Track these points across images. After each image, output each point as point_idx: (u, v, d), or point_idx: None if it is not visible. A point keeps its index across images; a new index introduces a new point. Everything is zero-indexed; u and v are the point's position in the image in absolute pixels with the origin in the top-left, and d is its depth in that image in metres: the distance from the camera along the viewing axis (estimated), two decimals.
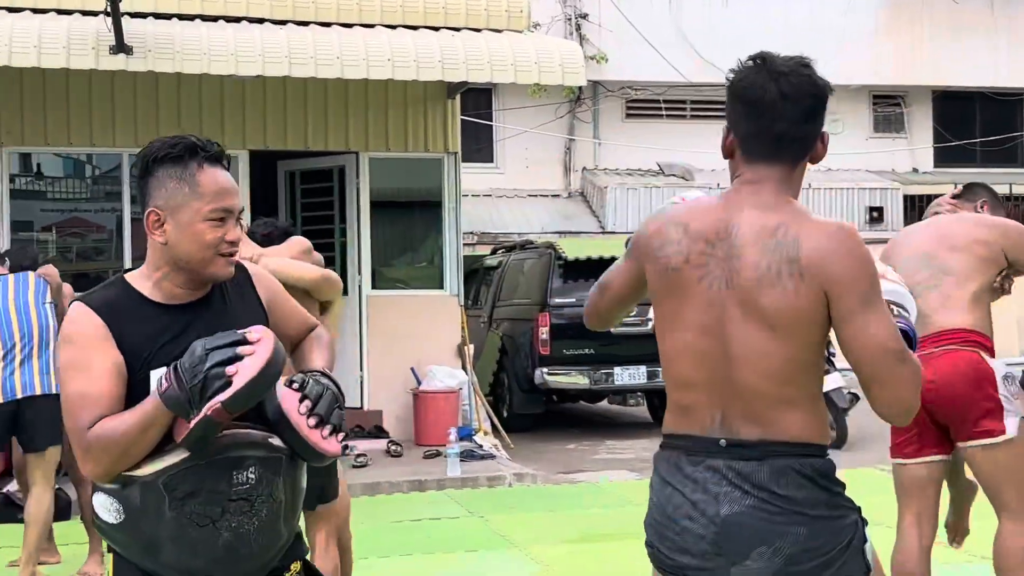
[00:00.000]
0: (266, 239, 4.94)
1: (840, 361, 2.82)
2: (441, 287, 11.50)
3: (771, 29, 19.31)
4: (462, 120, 11.86)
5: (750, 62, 2.47)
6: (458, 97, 11.45)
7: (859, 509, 2.49)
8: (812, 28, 19.77)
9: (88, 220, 11.06)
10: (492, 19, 10.73)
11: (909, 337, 2.61)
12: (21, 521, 7.17)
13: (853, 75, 19.15)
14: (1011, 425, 4.15)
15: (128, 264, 10.37)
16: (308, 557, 4.39)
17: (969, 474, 4.47)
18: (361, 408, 11.16)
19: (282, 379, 2.42)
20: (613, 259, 11.06)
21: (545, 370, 12.18)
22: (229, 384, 2.25)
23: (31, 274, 6.47)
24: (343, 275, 11.19)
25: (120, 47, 8.90)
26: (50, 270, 6.54)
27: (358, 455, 9.86)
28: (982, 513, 4.50)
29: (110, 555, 2.49)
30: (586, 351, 12.22)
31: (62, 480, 6.92)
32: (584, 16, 19.93)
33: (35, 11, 9.64)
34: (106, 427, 2.30)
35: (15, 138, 10.41)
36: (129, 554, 2.41)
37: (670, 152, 19.86)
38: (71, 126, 10.51)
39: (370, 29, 10.18)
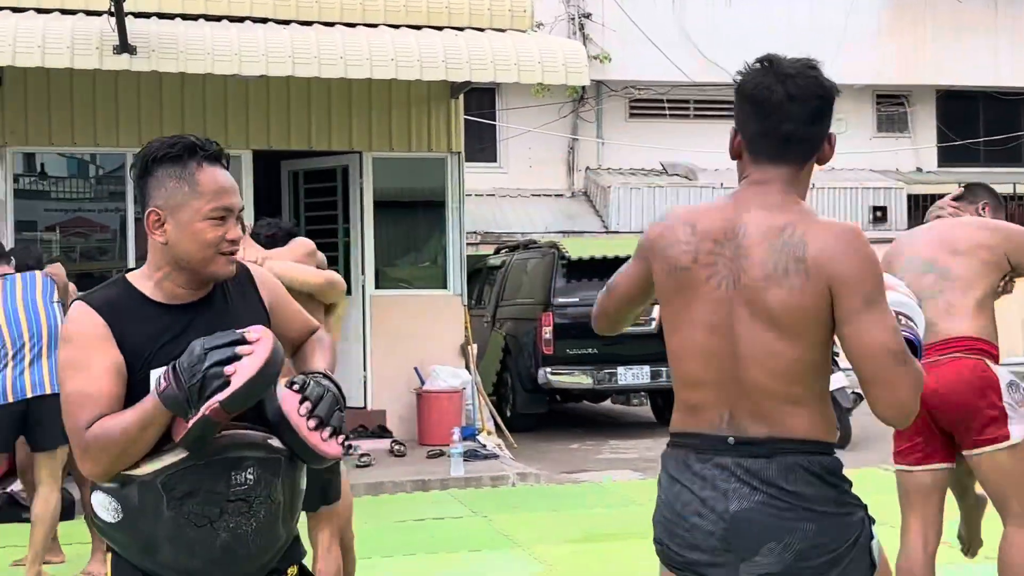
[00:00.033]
0: (270, 240, 4.94)
1: (843, 361, 2.86)
2: (445, 287, 11.50)
3: (774, 29, 19.31)
4: (465, 120, 11.86)
5: (757, 64, 2.50)
6: (461, 97, 11.45)
7: (865, 507, 2.50)
8: (815, 28, 19.77)
9: (92, 220, 11.07)
10: (495, 19, 10.73)
11: (914, 346, 2.61)
12: (25, 521, 7.19)
13: (856, 75, 19.14)
14: (1016, 431, 4.15)
15: (132, 264, 10.38)
16: (311, 558, 4.42)
17: (978, 488, 4.47)
18: (365, 408, 11.17)
19: (282, 380, 2.42)
20: (616, 259, 11.13)
21: (548, 370, 12.18)
22: (227, 384, 2.25)
23: (38, 273, 6.48)
24: (346, 275, 11.21)
25: (124, 47, 8.91)
26: (57, 269, 6.55)
27: (362, 455, 9.87)
28: (985, 513, 4.50)
29: (109, 554, 2.49)
30: (589, 351, 12.22)
31: (66, 480, 6.93)
32: (587, 16, 19.92)
33: (39, 11, 9.65)
34: (105, 426, 2.30)
35: (19, 138, 10.42)
36: (127, 553, 2.41)
37: (673, 152, 19.85)
38: (75, 126, 10.52)
39: (373, 29, 10.18)
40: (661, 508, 2.57)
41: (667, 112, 20.73)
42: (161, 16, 9.76)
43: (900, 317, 2.62)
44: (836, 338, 2.45)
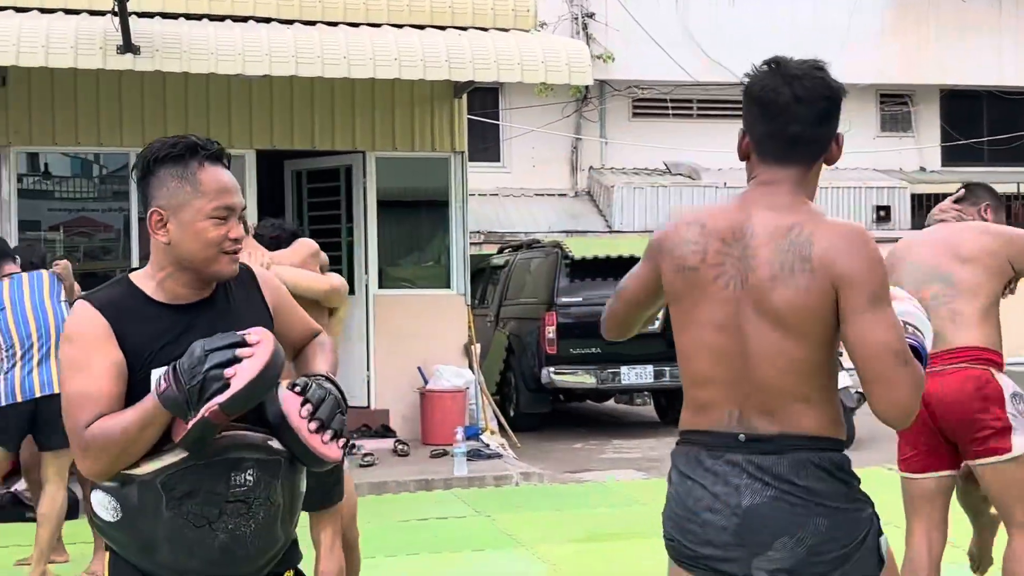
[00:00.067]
0: (274, 241, 4.94)
1: (847, 361, 2.87)
2: (448, 286, 11.50)
3: (777, 29, 19.32)
4: (469, 119, 11.86)
5: (765, 66, 2.52)
6: (464, 96, 11.45)
7: (873, 504, 2.53)
8: (819, 27, 19.76)
9: (95, 220, 11.08)
10: (499, 18, 10.73)
11: (919, 355, 2.62)
12: (29, 520, 7.20)
13: (860, 74, 19.12)
14: (1019, 443, 4.15)
15: (135, 263, 10.39)
16: (313, 557, 4.42)
17: (992, 509, 4.47)
18: (368, 407, 11.17)
19: (284, 382, 2.42)
20: (620, 258, 11.10)
21: (552, 369, 12.18)
22: (227, 386, 2.25)
23: (44, 272, 6.49)
24: (350, 274, 11.22)
25: (127, 47, 8.91)
26: (64, 267, 6.53)
27: (365, 454, 9.87)
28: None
29: (108, 553, 2.49)
30: (593, 350, 12.21)
31: (70, 479, 6.94)
32: (591, 15, 19.92)
33: (43, 11, 9.66)
34: (104, 426, 2.30)
35: (23, 138, 10.43)
36: (126, 553, 2.41)
37: (677, 151, 19.85)
38: (79, 126, 10.53)
39: (377, 28, 10.18)
40: (672, 504, 2.58)
41: (670, 112, 20.73)
42: (165, 16, 9.76)
43: (907, 326, 2.63)
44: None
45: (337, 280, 4.90)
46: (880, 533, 2.51)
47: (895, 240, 4.72)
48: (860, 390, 2.56)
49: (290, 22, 10.09)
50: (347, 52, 9.52)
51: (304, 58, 9.39)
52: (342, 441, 2.43)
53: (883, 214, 19.72)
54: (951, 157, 21.63)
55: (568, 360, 12.20)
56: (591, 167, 20.53)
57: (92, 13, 9.48)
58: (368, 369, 11.21)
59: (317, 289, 4.73)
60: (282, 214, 11.61)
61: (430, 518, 8.07)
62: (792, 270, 2.40)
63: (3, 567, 6.57)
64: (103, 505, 2.38)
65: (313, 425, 2.39)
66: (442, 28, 10.38)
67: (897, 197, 19.98)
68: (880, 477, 8.16)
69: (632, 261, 12.79)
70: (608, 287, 12.49)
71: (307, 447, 2.39)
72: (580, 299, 12.39)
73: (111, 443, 2.30)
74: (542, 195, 20.03)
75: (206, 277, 2.48)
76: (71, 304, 6.30)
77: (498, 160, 20.11)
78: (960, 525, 4.61)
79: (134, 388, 2.37)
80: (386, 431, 10.88)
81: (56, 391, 6.03)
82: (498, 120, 19.56)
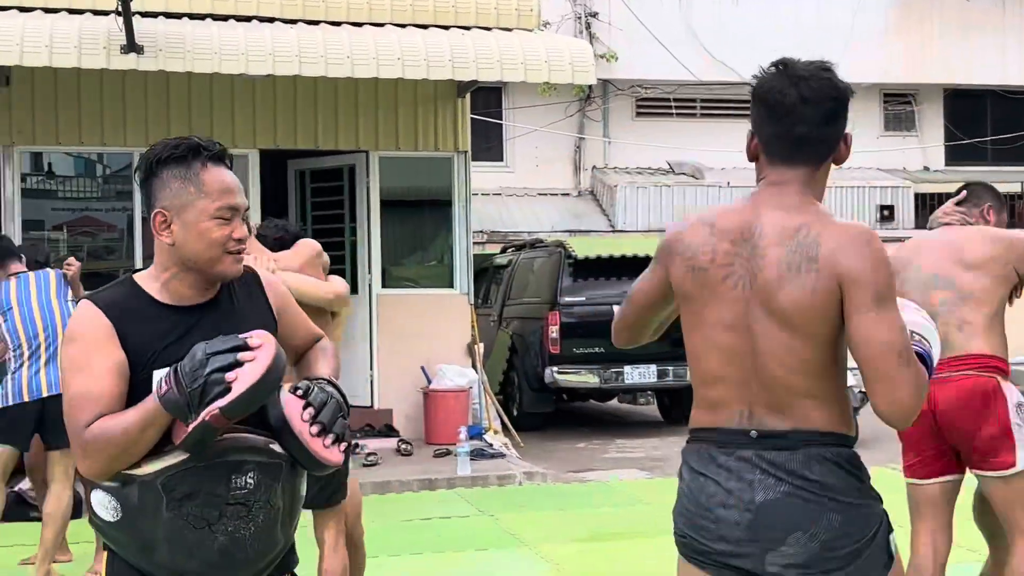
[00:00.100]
0: (278, 242, 4.93)
1: (850, 360, 2.88)
2: (451, 286, 11.50)
3: (781, 28, 19.29)
4: (472, 119, 11.86)
5: (772, 67, 2.55)
6: (468, 96, 11.46)
7: (882, 500, 2.55)
8: (822, 27, 19.74)
9: (99, 219, 11.09)
10: (502, 18, 10.73)
11: (926, 363, 2.63)
12: (33, 519, 7.21)
13: (863, 73, 19.10)
14: (1022, 458, 4.16)
15: (139, 262, 10.40)
16: (316, 556, 4.43)
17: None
18: (371, 407, 11.18)
19: (286, 386, 2.41)
20: (623, 258, 11.06)
21: (555, 369, 12.18)
22: (228, 390, 2.24)
23: (51, 272, 6.49)
24: (353, 274, 11.24)
25: (131, 46, 8.92)
26: (77, 269, 6.51)
27: (368, 454, 9.87)
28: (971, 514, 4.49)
29: (106, 552, 2.49)
30: (596, 350, 12.21)
31: (75, 479, 6.94)
32: (594, 15, 19.91)
33: (47, 11, 9.67)
34: (105, 426, 2.30)
35: (26, 137, 10.44)
36: (125, 553, 2.41)
37: (680, 150, 19.83)
38: (82, 125, 10.54)
39: (380, 28, 10.19)
40: (684, 501, 2.60)
41: (674, 111, 20.71)
42: (168, 16, 9.77)
43: (913, 335, 2.63)
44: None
45: (341, 286, 4.91)
46: (890, 530, 2.53)
47: (899, 240, 4.71)
48: (863, 389, 2.57)
49: (293, 22, 10.10)
50: (350, 52, 9.52)
51: (307, 58, 9.40)
52: (343, 445, 2.42)
53: (887, 214, 19.70)
54: (955, 156, 21.60)
55: (571, 360, 12.20)
56: (594, 166, 20.52)
57: (96, 13, 9.49)
58: (371, 369, 11.21)
59: (322, 297, 4.75)
60: (285, 214, 11.62)
61: (433, 518, 8.07)
62: (799, 270, 2.42)
63: (7, 566, 6.58)
64: (103, 505, 2.38)
65: (315, 429, 2.39)
66: (445, 28, 10.38)
67: (901, 197, 19.95)
68: (884, 477, 8.15)
69: (635, 260, 12.84)
70: (611, 287, 12.57)
71: (308, 451, 2.38)
72: (583, 299, 12.39)
73: (111, 443, 2.30)
74: (545, 195, 20.02)
75: (211, 278, 2.48)
76: (77, 303, 6.30)
77: (501, 160, 20.11)
78: (963, 526, 4.60)
79: (136, 389, 2.37)
80: (389, 431, 10.88)
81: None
82: (501, 120, 19.56)
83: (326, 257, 5.04)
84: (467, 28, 10.45)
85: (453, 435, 9.90)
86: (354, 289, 11.24)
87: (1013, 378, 4.31)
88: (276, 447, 2.41)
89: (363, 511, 5.00)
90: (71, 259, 6.59)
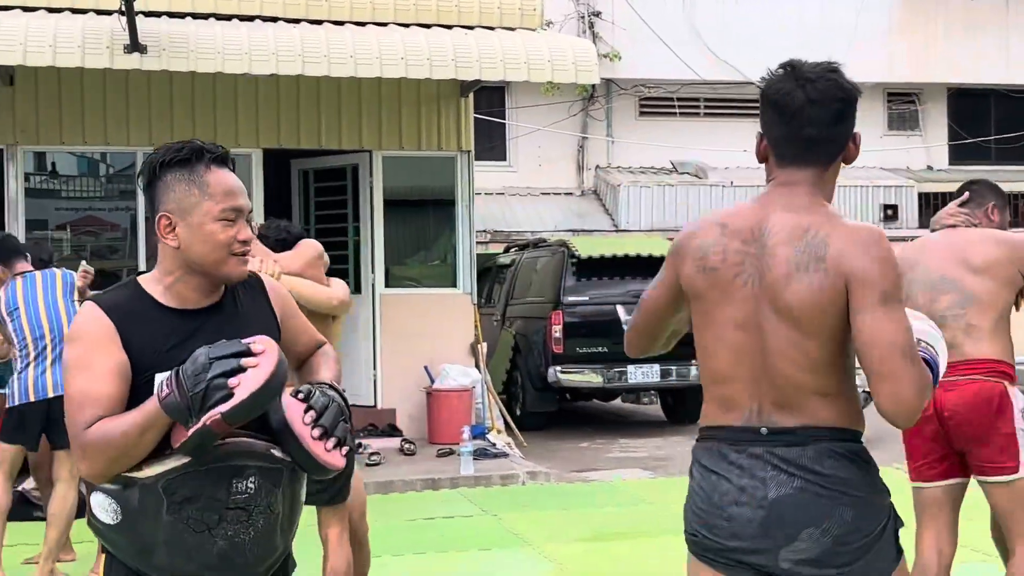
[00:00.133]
0: (280, 244, 4.93)
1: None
2: (454, 285, 11.50)
3: (785, 27, 19.28)
4: (475, 118, 11.86)
5: (780, 69, 2.58)
6: (471, 95, 11.45)
7: (890, 493, 2.58)
8: (826, 26, 19.72)
9: (102, 219, 11.10)
10: (505, 17, 10.73)
11: (932, 370, 2.63)
12: (36, 519, 7.22)
13: (867, 72, 19.07)
14: None
15: (142, 261, 10.41)
16: (321, 553, 4.43)
17: None
18: (374, 406, 11.18)
19: (288, 390, 2.41)
20: (626, 257, 11.03)
21: (558, 368, 12.18)
22: (231, 396, 2.24)
23: (57, 271, 6.49)
24: (356, 274, 11.24)
25: (134, 46, 8.93)
26: (88, 277, 6.50)
27: (371, 453, 9.87)
28: (981, 514, 4.48)
29: (104, 555, 2.49)
30: (599, 349, 12.21)
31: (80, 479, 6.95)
32: (597, 14, 19.90)
33: (50, 10, 9.67)
34: (105, 428, 2.30)
35: (30, 137, 10.45)
36: (123, 555, 2.41)
37: (683, 150, 19.83)
38: (85, 125, 10.54)
39: (383, 28, 10.19)
40: (695, 500, 2.61)
41: (677, 110, 20.70)
42: (171, 15, 9.77)
43: (920, 342, 2.64)
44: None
45: (343, 292, 4.91)
46: (899, 523, 2.57)
47: (903, 239, 4.69)
48: (867, 389, 2.58)
49: (296, 21, 10.10)
50: (353, 51, 9.53)
51: (310, 57, 9.40)
52: (345, 449, 2.42)
53: (890, 213, 19.68)
54: (958, 156, 21.58)
55: (575, 359, 12.20)
56: (597, 166, 20.52)
57: (99, 12, 9.50)
58: (374, 368, 11.21)
59: (328, 304, 4.76)
60: (289, 213, 11.62)
61: (437, 517, 8.08)
62: (807, 270, 2.45)
63: (10, 566, 6.58)
64: (102, 507, 2.38)
65: (316, 432, 2.38)
66: (448, 27, 10.38)
67: (904, 196, 19.94)
68: (887, 476, 8.16)
69: (638, 260, 12.81)
70: (614, 286, 12.57)
71: (310, 454, 2.38)
72: (586, 298, 12.39)
73: (110, 445, 2.29)
74: (548, 194, 20.01)
75: (216, 280, 2.48)
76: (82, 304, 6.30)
77: (504, 159, 20.11)
78: (967, 527, 4.60)
79: (137, 391, 2.36)
80: (392, 430, 10.88)
81: None
82: (504, 119, 19.56)
83: (326, 257, 5.04)
84: (470, 27, 10.45)
85: (456, 435, 9.91)
86: (357, 289, 11.24)
87: (1020, 379, 4.31)
88: (277, 452, 2.40)
89: (366, 511, 5.00)
90: (87, 268, 6.58)
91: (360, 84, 10.77)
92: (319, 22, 10.16)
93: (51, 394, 6.09)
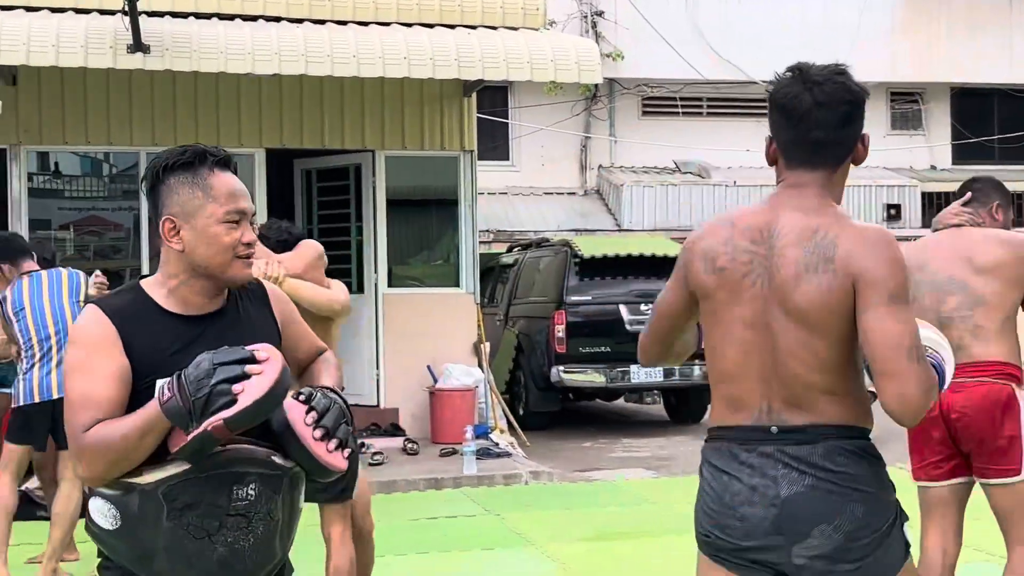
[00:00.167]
0: (282, 245, 4.93)
1: None
2: (457, 285, 11.50)
3: (787, 26, 19.27)
4: (478, 118, 11.86)
5: (787, 72, 2.60)
6: (474, 95, 11.45)
7: (896, 490, 2.61)
8: (828, 25, 19.72)
9: (105, 218, 11.11)
10: (508, 17, 10.73)
11: (938, 375, 2.64)
12: (39, 518, 7.22)
13: (870, 72, 19.05)
14: None
15: (145, 261, 10.42)
16: (324, 552, 4.43)
17: None
18: (377, 406, 11.18)
19: (289, 394, 2.41)
20: (629, 257, 11.01)
21: (561, 368, 12.18)
22: (234, 402, 2.23)
23: (63, 271, 6.49)
24: (359, 273, 11.24)
25: (138, 46, 8.93)
26: (102, 289, 6.50)
27: (374, 453, 9.88)
28: (986, 514, 4.48)
29: (99, 559, 2.48)
30: (602, 349, 12.21)
31: None
32: (600, 14, 19.90)
33: (53, 10, 9.68)
34: (104, 431, 2.30)
35: (33, 137, 10.46)
36: (121, 560, 2.41)
37: (686, 149, 19.83)
38: (89, 125, 10.55)
39: (386, 27, 10.19)
40: (707, 500, 2.63)
41: (680, 110, 20.70)
42: (174, 15, 9.78)
43: (927, 348, 2.65)
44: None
45: (345, 295, 4.92)
46: (905, 519, 2.60)
47: (905, 239, 4.68)
48: (871, 390, 2.59)
49: (300, 21, 10.11)
50: (357, 51, 9.53)
51: (314, 57, 9.40)
52: (347, 452, 2.41)
53: (893, 212, 19.67)
54: (962, 155, 21.56)
55: (578, 359, 12.20)
56: (600, 165, 20.52)
57: (102, 12, 9.51)
58: (377, 368, 11.22)
59: (331, 307, 4.77)
60: (292, 213, 11.63)
61: (439, 517, 8.08)
62: (816, 270, 2.47)
63: (14, 565, 6.58)
64: (102, 512, 2.37)
65: (318, 433, 2.38)
66: (451, 27, 10.38)
67: (907, 195, 19.93)
68: (891, 476, 8.16)
69: (641, 260, 12.76)
70: (617, 286, 12.57)
71: (312, 455, 2.38)
72: (589, 298, 12.39)
73: (109, 448, 2.29)
74: (551, 194, 20.02)
75: (221, 283, 2.48)
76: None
77: (507, 159, 20.11)
78: (972, 527, 4.59)
79: (138, 396, 2.36)
80: (395, 430, 10.88)
81: None
82: (507, 119, 19.56)
83: (324, 258, 5.04)
84: (473, 27, 10.45)
85: (459, 434, 9.91)
86: (360, 288, 11.25)
87: None
88: (278, 459, 2.40)
89: (371, 507, 4.99)
90: (102, 279, 6.57)
91: (363, 84, 10.77)
92: (322, 22, 10.16)
93: (56, 395, 6.09)
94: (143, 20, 8.96)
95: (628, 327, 12.20)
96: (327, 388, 2.51)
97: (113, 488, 2.34)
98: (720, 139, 19.62)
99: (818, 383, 2.50)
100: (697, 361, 11.20)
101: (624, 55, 19.68)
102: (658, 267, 12.57)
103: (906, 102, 21.71)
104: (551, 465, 10.02)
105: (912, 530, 4.31)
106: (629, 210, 19.15)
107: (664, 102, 20.61)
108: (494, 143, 19.14)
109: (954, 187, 4.66)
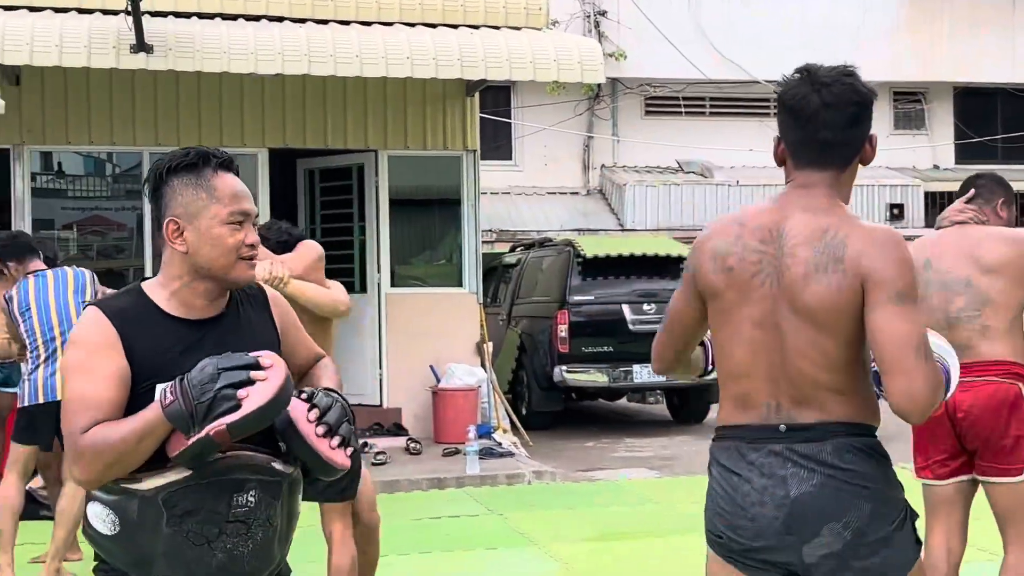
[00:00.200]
0: (282, 246, 4.93)
1: None
2: (460, 285, 11.51)
3: (790, 26, 19.26)
4: (481, 117, 11.86)
5: (795, 74, 2.62)
6: (477, 95, 11.45)
7: (904, 488, 2.62)
8: (831, 25, 19.70)
9: (109, 218, 11.12)
10: (511, 16, 10.73)
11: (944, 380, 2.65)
12: (43, 518, 7.22)
13: (872, 71, 18.88)
14: None
15: (148, 262, 10.42)
16: (326, 551, 4.43)
17: None
18: (380, 406, 11.18)
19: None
20: (632, 256, 11.00)
21: (564, 368, 12.18)
22: (238, 407, 2.23)
23: (69, 270, 6.48)
24: (362, 273, 11.25)
25: (140, 46, 8.94)
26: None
27: (377, 453, 9.88)
28: (988, 513, 4.48)
29: (95, 563, 2.48)
30: (605, 349, 12.21)
31: None
32: (603, 13, 19.90)
33: (56, 10, 9.69)
34: (102, 432, 2.29)
35: (36, 136, 10.47)
36: (118, 565, 2.41)
37: (689, 149, 19.82)
38: (92, 124, 10.56)
39: (389, 27, 10.19)
40: (717, 500, 2.64)
41: (683, 109, 20.69)
42: (177, 15, 9.79)
43: (934, 354, 2.64)
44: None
45: (346, 296, 4.93)
46: (915, 516, 2.61)
47: (908, 239, 4.66)
48: (875, 390, 2.61)
49: (303, 21, 10.11)
50: (360, 51, 9.53)
51: (317, 57, 9.40)
52: (350, 450, 2.42)
53: (896, 212, 19.66)
54: (965, 155, 21.54)
55: (580, 358, 12.20)
56: (603, 165, 20.51)
57: (105, 12, 9.51)
58: (380, 367, 11.22)
59: (334, 308, 4.77)
60: (295, 213, 11.64)
61: (443, 516, 8.08)
62: (826, 270, 2.48)
63: (17, 564, 6.58)
64: (100, 518, 2.37)
65: (320, 429, 2.38)
66: (454, 27, 10.38)
67: (910, 195, 19.92)
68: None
69: (644, 259, 12.73)
70: (620, 285, 12.56)
71: (315, 451, 2.37)
72: (592, 297, 12.39)
73: (107, 450, 2.28)
74: (554, 193, 20.02)
75: (224, 284, 2.48)
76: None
77: (510, 158, 20.11)
78: (976, 526, 4.59)
79: (136, 399, 2.35)
80: (398, 429, 10.89)
81: None
82: (510, 118, 19.56)
83: (323, 259, 5.05)
84: (476, 27, 10.45)
85: (462, 434, 9.91)
86: (363, 288, 11.26)
87: None
88: (278, 465, 2.41)
89: (376, 503, 4.97)
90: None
91: (366, 84, 10.78)
92: (325, 22, 10.16)
93: (60, 396, 6.09)
94: (146, 20, 8.97)
95: (631, 327, 12.20)
96: (328, 388, 2.51)
97: (112, 493, 2.34)
98: (723, 139, 19.62)
99: (827, 382, 2.51)
100: None
101: (627, 55, 19.68)
102: (661, 267, 12.58)
103: (909, 102, 21.70)
104: (554, 465, 10.02)
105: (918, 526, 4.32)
106: (632, 210, 19.15)
107: (667, 102, 20.60)
108: (497, 143, 19.14)
109: (957, 187, 4.65)
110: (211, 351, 2.34)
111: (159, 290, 2.48)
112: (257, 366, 2.28)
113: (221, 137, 10.51)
